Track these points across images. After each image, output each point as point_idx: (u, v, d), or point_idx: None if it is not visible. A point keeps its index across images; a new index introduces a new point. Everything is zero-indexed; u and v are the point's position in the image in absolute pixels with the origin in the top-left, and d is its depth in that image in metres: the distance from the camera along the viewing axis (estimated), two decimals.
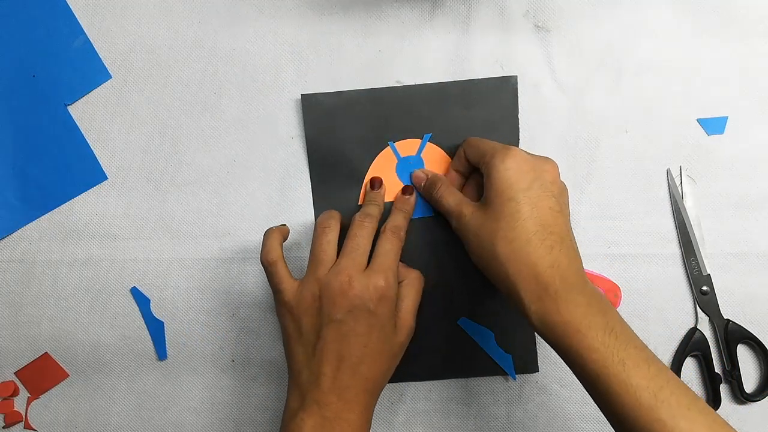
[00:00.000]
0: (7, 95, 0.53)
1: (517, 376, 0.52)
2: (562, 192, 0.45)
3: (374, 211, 0.49)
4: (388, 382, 0.52)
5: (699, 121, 0.52)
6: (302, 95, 0.52)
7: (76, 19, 0.52)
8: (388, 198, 0.52)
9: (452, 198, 0.48)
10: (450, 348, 0.53)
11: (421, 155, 0.52)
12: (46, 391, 0.54)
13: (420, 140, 0.52)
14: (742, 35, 0.52)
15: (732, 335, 0.51)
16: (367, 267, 0.45)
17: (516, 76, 0.52)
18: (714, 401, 0.51)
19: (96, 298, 0.53)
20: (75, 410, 0.54)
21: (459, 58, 0.52)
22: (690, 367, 0.52)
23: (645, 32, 0.52)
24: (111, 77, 0.53)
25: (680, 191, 0.52)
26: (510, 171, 0.43)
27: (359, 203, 0.52)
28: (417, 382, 0.53)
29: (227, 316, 0.53)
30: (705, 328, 0.52)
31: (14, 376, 0.54)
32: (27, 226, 0.53)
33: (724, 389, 0.52)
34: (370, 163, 0.52)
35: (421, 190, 0.51)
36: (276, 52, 0.53)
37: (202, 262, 0.53)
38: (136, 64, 0.53)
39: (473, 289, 0.53)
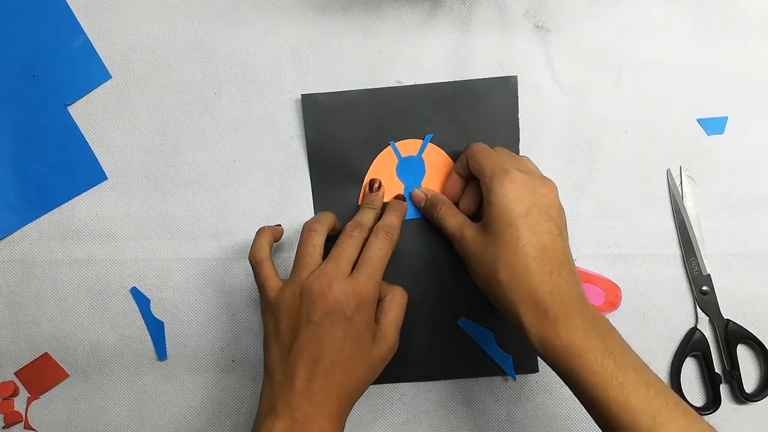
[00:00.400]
0: (7, 95, 0.53)
1: (517, 376, 0.52)
2: (560, 214, 0.45)
3: (367, 219, 0.49)
4: (388, 382, 0.53)
5: (699, 121, 0.52)
6: (302, 95, 0.52)
7: (76, 19, 0.53)
8: (387, 198, 0.52)
9: (453, 220, 0.48)
10: (450, 348, 0.53)
11: (422, 155, 0.52)
12: (46, 391, 0.54)
13: (421, 140, 0.52)
14: (742, 35, 0.52)
15: (732, 335, 0.51)
16: (352, 271, 0.45)
17: (516, 76, 0.52)
18: (714, 401, 0.51)
19: (96, 298, 0.53)
20: (75, 410, 0.54)
21: (459, 58, 0.52)
22: (690, 367, 0.52)
23: (645, 32, 0.52)
24: (111, 77, 0.53)
25: (680, 191, 0.52)
26: (508, 197, 0.43)
27: (359, 203, 0.52)
28: (417, 382, 0.53)
29: (227, 316, 0.53)
30: (705, 328, 0.52)
31: (14, 376, 0.54)
32: (27, 226, 0.53)
33: (724, 389, 0.52)
34: (371, 163, 0.52)
35: (421, 210, 0.52)
36: (276, 52, 0.53)
37: (202, 262, 0.53)
38: (136, 64, 0.53)
39: (473, 289, 0.52)
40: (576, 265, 0.52)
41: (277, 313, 0.45)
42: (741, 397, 0.51)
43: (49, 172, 0.53)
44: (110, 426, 0.54)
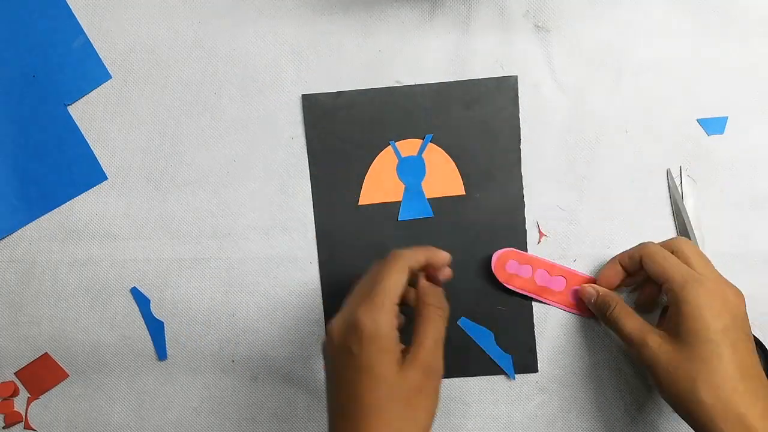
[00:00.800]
0: (7, 95, 0.53)
1: (517, 376, 0.52)
2: (751, 328, 0.44)
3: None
4: None
5: (699, 121, 0.52)
6: (302, 95, 0.52)
7: (76, 19, 0.53)
8: (387, 198, 0.52)
9: (632, 323, 0.45)
10: (450, 348, 0.52)
11: (422, 155, 0.52)
12: (46, 391, 0.54)
13: (421, 140, 0.52)
14: (742, 35, 0.52)
15: None
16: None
17: (516, 76, 0.52)
18: None
19: (96, 298, 0.53)
20: (75, 410, 0.54)
21: (459, 58, 0.52)
22: None
23: (645, 32, 0.52)
24: (111, 77, 0.53)
25: (680, 191, 0.52)
26: (704, 309, 0.42)
27: (359, 204, 0.52)
28: None
29: (227, 316, 0.53)
30: None
31: (14, 376, 0.54)
32: (27, 226, 0.53)
33: None
34: (371, 163, 0.52)
35: (590, 306, 0.50)
36: (276, 52, 0.53)
37: (202, 262, 0.53)
38: (136, 64, 0.53)
39: (473, 289, 0.53)
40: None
41: None
42: None
43: (49, 172, 0.53)
44: (110, 426, 0.54)
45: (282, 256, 0.53)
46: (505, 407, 0.53)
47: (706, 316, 0.42)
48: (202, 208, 0.53)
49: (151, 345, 0.53)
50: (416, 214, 0.52)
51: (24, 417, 0.54)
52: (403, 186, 0.52)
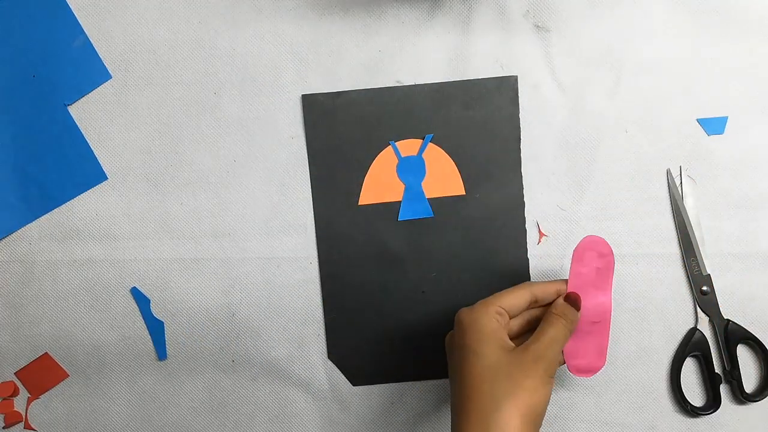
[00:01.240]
0: (7, 95, 0.53)
1: None
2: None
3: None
4: (388, 382, 0.53)
5: (699, 121, 0.52)
6: (302, 95, 0.52)
7: (76, 19, 0.53)
8: (387, 198, 0.52)
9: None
10: None
11: (422, 155, 0.52)
12: (46, 391, 0.54)
13: (421, 140, 0.52)
14: (742, 35, 0.52)
15: (732, 335, 0.51)
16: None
17: (516, 76, 0.52)
18: (714, 401, 0.51)
19: (96, 298, 0.53)
20: (75, 410, 0.54)
21: (459, 58, 0.52)
22: (690, 367, 0.52)
23: (645, 32, 0.52)
24: (111, 77, 0.53)
25: (680, 191, 0.52)
26: None
27: (359, 204, 0.52)
28: (417, 382, 0.53)
29: (227, 316, 0.53)
30: (705, 328, 0.52)
31: (14, 376, 0.54)
32: (27, 226, 0.53)
33: (724, 389, 0.52)
34: (371, 163, 0.52)
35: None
36: (276, 52, 0.53)
37: (202, 262, 0.53)
38: (136, 64, 0.53)
39: (473, 290, 0.53)
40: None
41: None
42: (741, 397, 0.51)
43: (49, 172, 0.53)
44: (110, 426, 0.54)
45: (282, 256, 0.53)
46: None
47: None
48: (202, 208, 0.53)
49: (151, 345, 0.53)
50: (416, 214, 0.52)
51: (24, 417, 0.54)
52: (403, 186, 0.52)
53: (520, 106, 0.52)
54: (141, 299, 0.53)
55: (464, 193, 0.52)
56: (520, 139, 0.52)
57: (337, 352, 0.53)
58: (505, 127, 0.52)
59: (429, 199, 0.52)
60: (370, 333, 0.53)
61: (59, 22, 0.52)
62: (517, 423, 0.39)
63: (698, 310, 0.52)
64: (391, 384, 0.53)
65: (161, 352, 0.53)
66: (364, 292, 0.53)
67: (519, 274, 0.52)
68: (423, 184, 0.52)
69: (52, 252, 0.53)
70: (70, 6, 0.52)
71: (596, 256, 0.46)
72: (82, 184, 0.53)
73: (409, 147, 0.52)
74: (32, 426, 0.54)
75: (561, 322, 0.44)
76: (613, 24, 0.52)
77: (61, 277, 0.53)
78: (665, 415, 0.52)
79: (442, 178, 0.52)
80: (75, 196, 0.53)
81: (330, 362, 0.53)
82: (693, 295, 0.52)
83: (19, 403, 0.54)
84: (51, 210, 0.53)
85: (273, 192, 0.53)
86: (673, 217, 0.52)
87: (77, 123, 0.53)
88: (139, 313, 0.53)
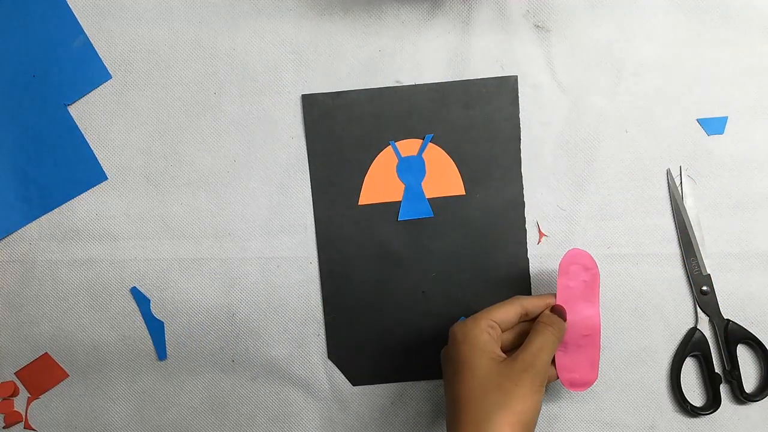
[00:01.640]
0: (7, 95, 0.53)
1: None
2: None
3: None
4: (388, 382, 0.53)
5: (699, 121, 0.52)
6: (302, 95, 0.52)
7: (76, 19, 0.53)
8: (387, 198, 0.52)
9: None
10: None
11: (422, 155, 0.52)
12: (46, 391, 0.54)
13: (421, 140, 0.52)
14: (742, 35, 0.52)
15: (732, 335, 0.51)
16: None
17: (516, 76, 0.52)
18: (714, 401, 0.51)
19: (96, 298, 0.53)
20: (75, 410, 0.54)
21: (459, 58, 0.52)
22: (690, 367, 0.52)
23: (645, 32, 0.52)
24: (111, 77, 0.53)
25: (680, 191, 0.52)
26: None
27: (359, 204, 0.52)
28: (417, 382, 0.53)
29: (227, 316, 0.53)
30: (705, 328, 0.52)
31: (14, 376, 0.54)
32: (27, 226, 0.53)
33: (724, 389, 0.52)
34: (371, 163, 0.52)
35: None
36: (276, 52, 0.53)
37: (202, 262, 0.53)
38: (136, 64, 0.53)
39: (473, 290, 0.53)
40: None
41: None
42: (741, 397, 0.51)
43: (49, 172, 0.53)
44: (110, 426, 0.54)
45: (282, 256, 0.53)
46: None
47: None
48: (202, 208, 0.53)
49: (151, 345, 0.53)
50: (416, 214, 0.52)
51: (24, 417, 0.54)
52: (403, 186, 0.52)
53: (520, 106, 0.52)
54: (141, 299, 0.53)
55: (464, 193, 0.52)
56: (520, 139, 0.52)
57: (337, 352, 0.53)
58: (505, 127, 0.52)
59: (429, 199, 0.52)
60: (370, 333, 0.53)
61: (59, 22, 0.52)
62: None
63: (698, 310, 0.52)
64: (391, 384, 0.53)
65: (161, 352, 0.53)
66: (364, 292, 0.53)
67: (519, 274, 0.52)
68: (423, 184, 0.52)
69: (52, 252, 0.53)
70: (70, 6, 0.52)
71: (581, 269, 0.47)
72: (82, 184, 0.53)
73: (409, 147, 0.52)
74: (32, 426, 0.54)
75: (548, 330, 0.45)
76: (613, 24, 0.52)
77: (61, 277, 0.53)
78: (665, 415, 0.52)
79: (442, 178, 0.52)
80: (75, 196, 0.53)
81: (330, 362, 0.53)
82: (693, 295, 0.52)
83: (19, 403, 0.54)
84: (51, 210, 0.53)
85: (273, 192, 0.53)
86: (673, 217, 0.52)
87: (77, 123, 0.53)
88: (139, 313, 0.53)
